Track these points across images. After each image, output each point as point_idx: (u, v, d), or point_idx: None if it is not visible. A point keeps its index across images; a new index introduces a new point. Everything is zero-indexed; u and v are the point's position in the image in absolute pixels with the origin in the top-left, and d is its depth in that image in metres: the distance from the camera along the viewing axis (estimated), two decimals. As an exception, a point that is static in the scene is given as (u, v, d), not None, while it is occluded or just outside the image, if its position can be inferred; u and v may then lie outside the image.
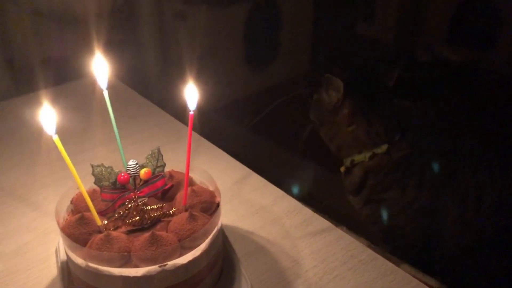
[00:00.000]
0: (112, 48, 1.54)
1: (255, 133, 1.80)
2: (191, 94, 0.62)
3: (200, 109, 0.70)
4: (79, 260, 0.59)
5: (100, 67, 0.69)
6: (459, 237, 0.96)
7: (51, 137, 0.57)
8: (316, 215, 0.80)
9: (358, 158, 1.01)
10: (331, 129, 1.05)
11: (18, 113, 1.05)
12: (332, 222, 0.79)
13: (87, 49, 1.22)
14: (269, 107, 2.01)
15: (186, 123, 1.02)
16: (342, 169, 1.06)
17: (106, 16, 1.58)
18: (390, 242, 1.03)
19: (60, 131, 0.57)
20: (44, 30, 1.58)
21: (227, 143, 1.08)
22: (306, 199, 0.89)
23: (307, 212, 0.81)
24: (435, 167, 1.00)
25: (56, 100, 0.59)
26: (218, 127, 1.68)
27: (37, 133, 0.87)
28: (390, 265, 0.71)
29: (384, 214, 1.02)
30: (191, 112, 0.62)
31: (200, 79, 0.71)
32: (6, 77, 1.43)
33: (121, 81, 1.19)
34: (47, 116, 0.57)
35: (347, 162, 1.04)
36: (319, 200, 0.99)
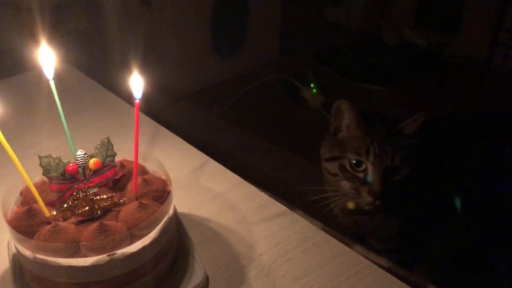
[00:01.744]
0: (72, 36, 1.51)
1: (224, 119, 1.80)
2: (136, 82, 0.62)
3: (168, 95, 0.69)
4: (27, 252, 0.59)
5: (45, 57, 0.67)
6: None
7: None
8: (272, 200, 0.81)
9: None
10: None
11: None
12: (288, 207, 0.80)
13: (33, 41, 1.18)
14: (237, 95, 2.01)
15: (143, 112, 1.02)
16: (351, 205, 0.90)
17: (60, 4, 1.53)
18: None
19: (6, 126, 0.56)
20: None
21: (194, 131, 1.08)
22: (264, 184, 0.89)
23: (263, 197, 0.82)
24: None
25: (1, 94, 0.58)
26: (185, 115, 1.67)
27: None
28: (342, 246, 0.72)
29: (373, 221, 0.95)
30: (137, 101, 0.62)
31: (165, 67, 0.71)
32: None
33: (74, 66, 1.16)
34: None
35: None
36: (278, 185, 0.99)
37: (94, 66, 1.32)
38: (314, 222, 0.79)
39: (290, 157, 1.37)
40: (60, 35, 1.44)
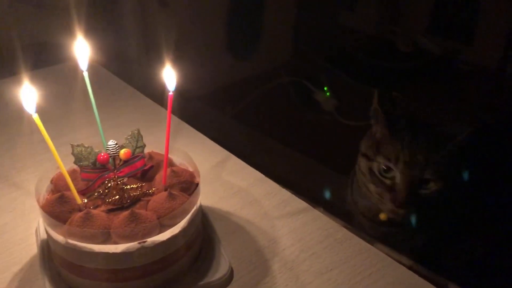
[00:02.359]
0: (94, 33, 1.53)
1: (238, 120, 1.82)
2: (169, 75, 0.63)
3: (182, 95, 0.70)
4: (59, 237, 0.60)
5: (80, 49, 0.69)
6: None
7: (31, 119, 0.57)
8: (294, 197, 0.82)
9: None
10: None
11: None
12: (310, 204, 0.81)
13: (68, 34, 1.21)
14: (251, 95, 2.02)
15: (165, 107, 1.03)
16: (383, 217, 0.89)
17: (87, 1, 1.57)
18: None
19: (41, 114, 0.58)
20: (23, 15, 1.56)
21: (209, 129, 1.09)
22: (285, 182, 0.90)
23: (285, 193, 0.83)
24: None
25: (37, 84, 0.60)
26: (201, 113, 1.68)
27: (18, 115, 0.87)
28: (364, 243, 0.73)
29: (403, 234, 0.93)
30: (170, 93, 0.63)
31: (182, 66, 0.72)
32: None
33: (103, 66, 1.19)
34: (27, 94, 0.57)
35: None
36: (298, 183, 1.00)
37: (113, 62, 1.34)
38: (336, 219, 0.80)
39: (303, 159, 1.38)
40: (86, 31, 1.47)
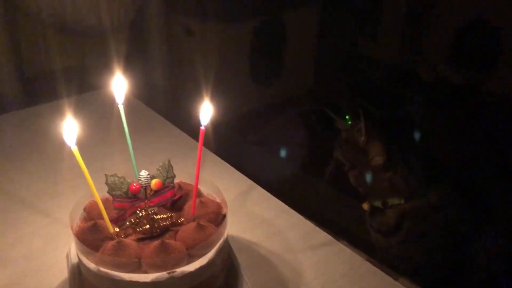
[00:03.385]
0: (123, 63, 1.59)
1: (261, 147, 1.84)
2: (206, 110, 0.66)
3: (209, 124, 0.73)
4: (91, 265, 0.62)
5: (118, 84, 0.72)
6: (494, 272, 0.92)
7: (64, 147, 0.60)
8: (317, 229, 0.83)
9: (392, 200, 0.94)
10: (363, 174, 0.97)
11: (32, 123, 1.09)
12: (333, 236, 0.82)
13: (99, 62, 1.26)
14: (274, 123, 2.05)
15: (194, 137, 1.06)
16: (366, 206, 0.98)
17: (118, 32, 1.62)
18: (421, 276, 0.96)
19: (78, 141, 0.61)
20: (56, 42, 1.63)
21: (233, 156, 1.11)
22: (309, 214, 0.91)
23: (309, 225, 0.84)
24: (475, 205, 0.95)
25: (74, 111, 0.63)
26: (225, 141, 1.71)
27: (56, 142, 0.91)
28: (388, 278, 0.73)
29: (420, 253, 0.96)
30: (202, 128, 0.65)
31: (208, 94, 0.74)
32: (21, 88, 1.47)
33: (133, 95, 1.23)
34: (69, 128, 0.60)
35: (378, 202, 0.97)
36: (322, 215, 1.01)
37: (140, 91, 1.38)
38: (359, 253, 0.80)
39: (326, 189, 1.39)
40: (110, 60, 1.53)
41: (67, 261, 0.74)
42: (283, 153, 1.73)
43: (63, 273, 0.73)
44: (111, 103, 0.74)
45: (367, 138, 0.94)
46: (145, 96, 1.22)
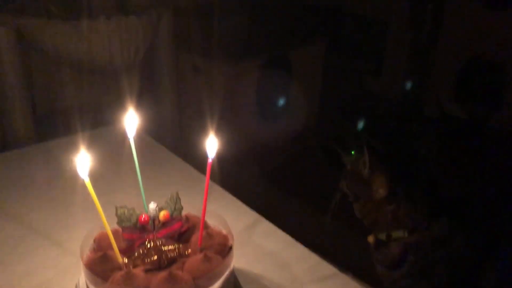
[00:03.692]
0: (134, 99, 1.64)
1: (268, 181, 1.86)
2: (211, 144, 0.69)
3: (216, 158, 0.75)
4: (100, 295, 0.64)
5: (129, 120, 0.76)
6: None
7: (77, 180, 0.63)
8: (323, 262, 0.84)
9: (396, 233, 0.95)
10: (367, 206, 0.98)
11: (46, 157, 1.12)
12: (338, 269, 0.83)
13: (111, 99, 1.30)
14: (279, 159, 2.07)
15: (201, 171, 1.08)
16: (371, 240, 0.99)
17: (130, 69, 1.68)
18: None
19: (91, 175, 0.63)
20: (69, 79, 1.68)
21: (241, 190, 1.13)
22: (315, 246, 0.92)
23: (314, 258, 0.85)
24: (479, 239, 0.96)
25: (87, 145, 0.66)
26: (232, 175, 1.73)
27: (65, 175, 0.94)
28: (393, 311, 0.73)
29: (425, 287, 0.96)
30: (210, 160, 0.68)
31: (214, 128, 0.77)
32: (34, 125, 1.52)
33: (144, 131, 1.26)
34: (82, 161, 0.63)
35: (382, 235, 0.97)
36: (328, 247, 1.01)
37: (160, 131, 1.42)
38: (365, 285, 0.81)
39: (328, 219, 1.39)
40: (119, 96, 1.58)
41: (76, 292, 0.75)
42: (289, 186, 1.74)
43: (72, 304, 0.74)
44: (123, 138, 0.77)
45: (371, 170, 0.95)
46: (155, 131, 1.25)
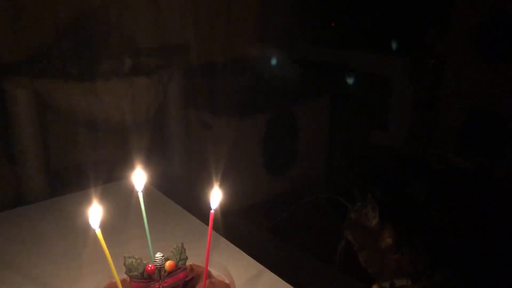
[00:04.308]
0: (144, 154, 1.70)
1: (274, 235, 1.87)
2: (215, 195, 0.73)
3: (221, 210, 0.79)
4: None
5: (138, 174, 0.81)
6: None
7: (88, 233, 0.67)
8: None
9: (399, 282, 0.98)
10: (372, 255, 1.02)
11: (58, 211, 1.16)
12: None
13: (123, 155, 1.37)
14: (286, 212, 2.09)
15: (207, 223, 1.12)
16: None
17: (141, 126, 1.76)
18: None
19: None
20: (84, 137, 1.76)
21: (246, 242, 1.15)
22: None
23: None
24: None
25: (98, 199, 0.70)
26: (238, 227, 1.76)
27: (77, 229, 0.98)
28: None
29: None
30: (212, 211, 0.72)
31: (222, 183, 0.82)
32: (46, 180, 1.58)
33: (152, 185, 1.31)
34: (94, 212, 0.68)
35: (386, 284, 1.00)
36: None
37: (160, 181, 1.47)
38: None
39: (341, 278, 1.40)
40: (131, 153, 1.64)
41: None
42: (294, 237, 1.76)
43: None
44: (132, 192, 0.82)
45: (378, 221, 0.98)
46: (163, 185, 1.30)
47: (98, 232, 0.67)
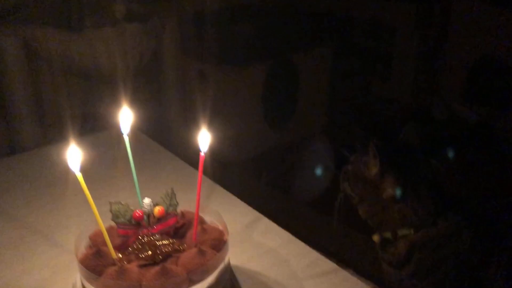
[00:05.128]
0: (138, 103, 1.65)
1: (272, 186, 1.85)
2: (203, 138, 0.68)
3: (219, 160, 0.74)
4: (94, 290, 0.63)
5: (123, 116, 0.76)
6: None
7: (74, 181, 0.63)
8: (322, 258, 0.82)
9: (402, 231, 0.95)
10: (374, 207, 0.97)
11: (47, 159, 1.13)
12: (339, 265, 0.82)
13: (113, 104, 1.31)
14: (285, 164, 2.06)
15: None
16: (376, 238, 0.97)
17: (133, 74, 1.70)
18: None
19: (85, 177, 0.63)
20: (74, 87, 1.70)
21: (243, 190, 1.12)
22: (315, 243, 0.91)
23: (314, 254, 0.84)
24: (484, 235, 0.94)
25: (82, 149, 0.66)
26: (236, 176, 1.73)
27: (63, 177, 0.94)
28: (393, 306, 0.72)
29: (431, 285, 0.93)
30: (202, 154, 0.67)
31: (220, 134, 0.77)
32: (38, 129, 1.54)
33: (144, 133, 1.27)
34: (73, 155, 0.63)
35: (387, 234, 0.96)
36: (328, 244, 1.00)
37: (155, 129, 1.42)
38: (365, 281, 0.79)
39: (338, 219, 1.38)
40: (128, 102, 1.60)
41: (73, 290, 0.75)
42: (291, 187, 1.73)
43: (69, 303, 0.74)
44: (121, 140, 0.77)
45: (379, 171, 0.93)
46: (157, 133, 1.26)
47: (79, 175, 0.63)
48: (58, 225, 0.92)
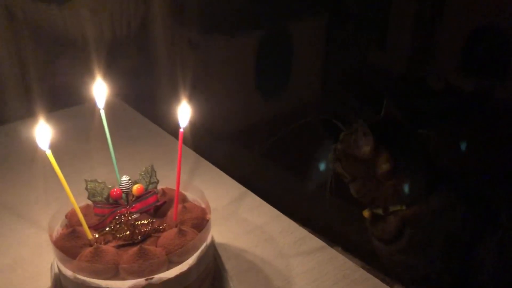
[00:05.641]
0: (124, 72, 1.60)
1: (264, 159, 1.82)
2: (183, 112, 0.64)
3: (208, 133, 0.71)
4: (68, 273, 0.60)
5: (98, 89, 0.72)
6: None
7: (55, 158, 0.59)
8: (310, 235, 0.80)
9: (393, 207, 0.93)
10: (366, 184, 0.95)
11: (20, 135, 1.08)
12: (327, 243, 0.79)
13: (90, 75, 1.26)
14: (278, 134, 2.03)
15: (185, 143, 1.04)
16: (367, 214, 0.96)
17: (120, 43, 1.64)
18: (424, 285, 0.96)
19: (59, 154, 0.60)
20: (61, 55, 1.65)
21: (234, 168, 1.09)
22: (303, 219, 0.89)
23: (301, 231, 0.81)
24: (478, 211, 0.92)
25: (55, 124, 0.62)
26: (223, 149, 1.70)
27: (35, 154, 0.90)
28: (382, 285, 0.70)
29: (422, 261, 0.93)
30: (181, 130, 0.64)
31: (209, 105, 0.73)
32: (25, 101, 1.49)
33: (130, 105, 1.22)
34: (42, 132, 0.59)
35: (379, 210, 0.94)
36: (316, 221, 0.97)
37: (142, 100, 1.38)
38: (354, 260, 0.77)
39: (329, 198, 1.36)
40: (113, 71, 1.54)
41: (51, 271, 0.72)
42: (282, 159, 1.70)
43: (47, 284, 0.71)
44: (96, 113, 0.73)
45: (374, 147, 0.90)
46: (144, 105, 1.22)
47: (49, 153, 0.59)
48: (34, 202, 0.89)
